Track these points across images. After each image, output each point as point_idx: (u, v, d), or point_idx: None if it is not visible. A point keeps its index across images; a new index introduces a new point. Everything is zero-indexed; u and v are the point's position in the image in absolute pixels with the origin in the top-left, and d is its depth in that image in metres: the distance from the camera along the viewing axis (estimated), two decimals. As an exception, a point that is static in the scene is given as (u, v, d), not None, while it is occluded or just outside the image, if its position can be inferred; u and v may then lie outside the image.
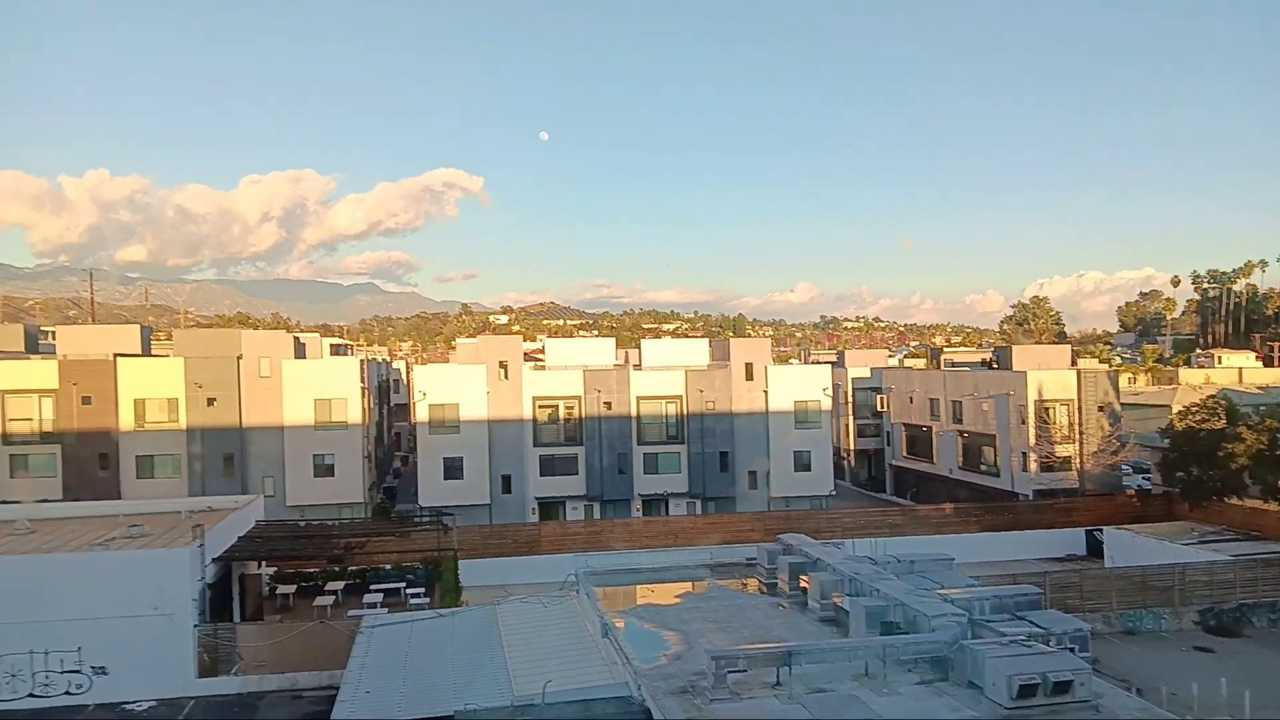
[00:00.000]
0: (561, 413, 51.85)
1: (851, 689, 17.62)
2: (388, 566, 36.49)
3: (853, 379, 70.90)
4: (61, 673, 25.96)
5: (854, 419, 71.14)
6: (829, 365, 61.77)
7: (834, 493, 54.62)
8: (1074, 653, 17.82)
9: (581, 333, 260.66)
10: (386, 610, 29.48)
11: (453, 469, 49.96)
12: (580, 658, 21.72)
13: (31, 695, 25.74)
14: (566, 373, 52.09)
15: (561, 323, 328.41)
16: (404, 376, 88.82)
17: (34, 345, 53.00)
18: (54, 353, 50.70)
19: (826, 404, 54.23)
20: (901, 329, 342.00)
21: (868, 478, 71.12)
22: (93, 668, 26.11)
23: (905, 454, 65.65)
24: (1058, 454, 51.86)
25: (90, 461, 46.32)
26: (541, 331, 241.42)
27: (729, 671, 17.64)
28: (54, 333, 57.03)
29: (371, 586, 34.62)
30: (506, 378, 51.11)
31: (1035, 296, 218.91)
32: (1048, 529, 47.75)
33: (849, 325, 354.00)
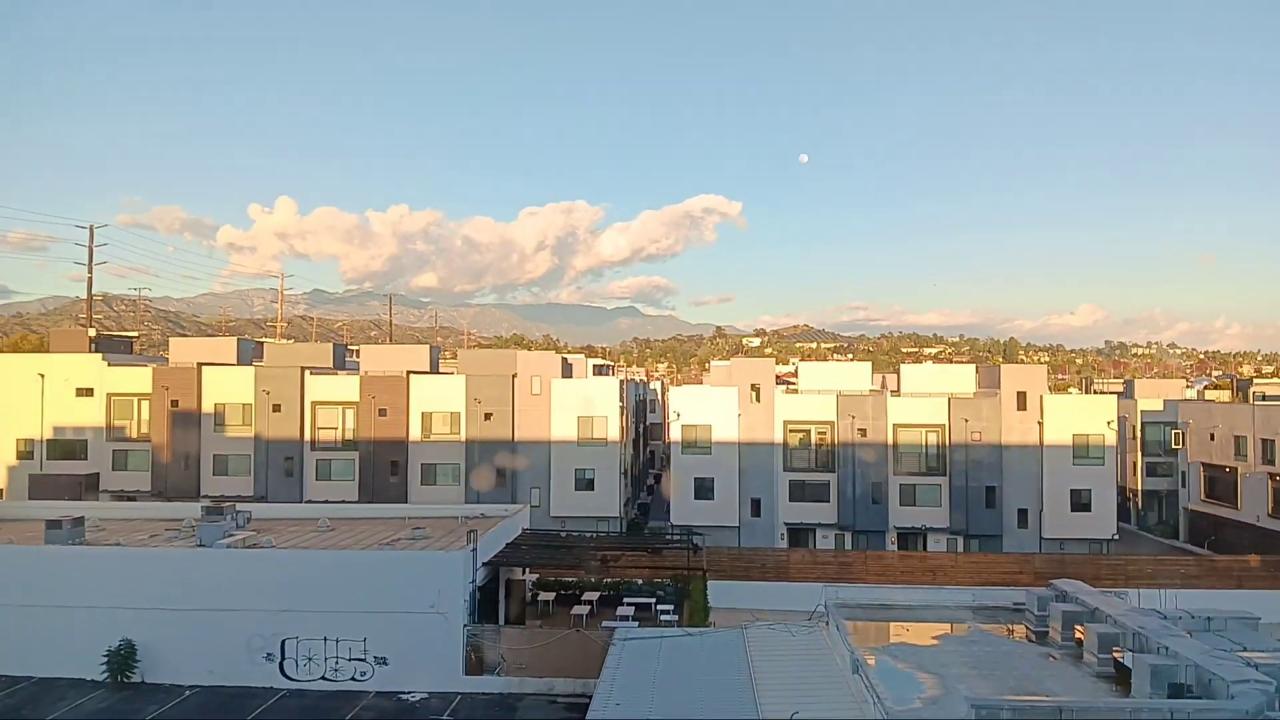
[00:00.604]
0: (813, 438, 51.02)
1: (1133, 757, 15.86)
2: (639, 581, 37.46)
3: (1142, 411, 64.25)
4: (349, 660, 28.69)
5: (1143, 456, 64.38)
6: (1114, 396, 56.35)
7: (1116, 536, 49.67)
8: None
9: (836, 356, 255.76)
10: (638, 624, 30.22)
11: (703, 489, 50.61)
12: (829, 692, 21.13)
13: (324, 678, 28.65)
14: (819, 397, 51.24)
15: (815, 346, 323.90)
16: (659, 397, 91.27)
17: (341, 362, 59.65)
18: (357, 369, 56.84)
19: (1111, 438, 49.53)
20: (1201, 356, 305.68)
21: (1157, 522, 64.00)
22: (375, 658, 28.66)
23: (1203, 497, 58.44)
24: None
25: (383, 468, 51.46)
26: (794, 355, 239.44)
27: (990, 723, 16.46)
28: (358, 351, 63.88)
29: (624, 600, 35.63)
30: (758, 400, 51.11)
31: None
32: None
33: (1138, 352, 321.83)
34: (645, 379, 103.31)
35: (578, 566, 34.99)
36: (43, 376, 53.01)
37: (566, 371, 56.61)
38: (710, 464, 50.81)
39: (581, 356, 74.29)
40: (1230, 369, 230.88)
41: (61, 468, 52.24)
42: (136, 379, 53.02)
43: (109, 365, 53.58)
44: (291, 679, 28.63)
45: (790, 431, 51.13)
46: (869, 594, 28.97)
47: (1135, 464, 64.75)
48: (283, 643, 28.72)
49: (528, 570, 36.88)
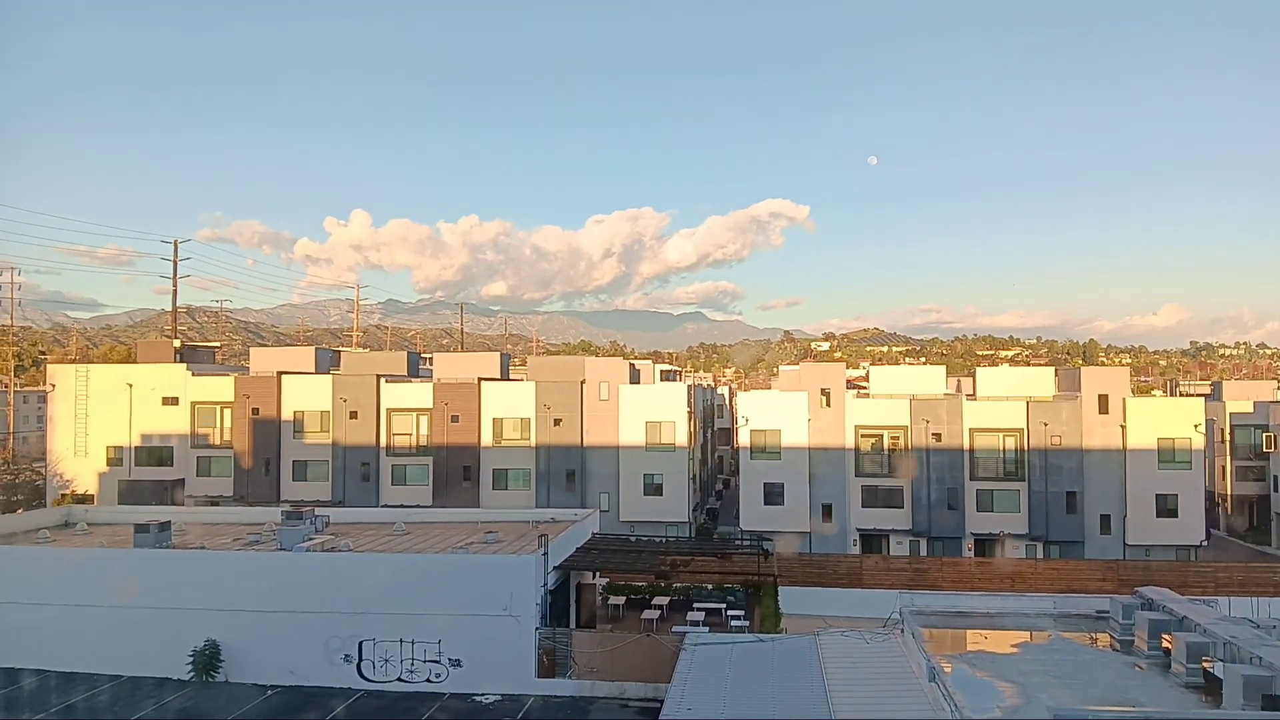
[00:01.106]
0: (886, 443, 50.22)
1: (1228, 772, 15.22)
2: (709, 586, 37.31)
3: (1231, 414, 61.81)
4: (425, 661, 29.15)
5: (1232, 460, 61.92)
6: (1201, 398, 54.31)
7: (1205, 543, 47.77)
8: None
9: (908, 360, 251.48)
10: (708, 629, 30.08)
11: (773, 494, 50.20)
12: (905, 700, 20.74)
13: (399, 679, 29.17)
14: (892, 401, 50.43)
15: (886, 349, 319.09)
16: (727, 402, 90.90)
17: (415, 370, 60.77)
18: (430, 377, 57.86)
19: (1198, 442, 47.68)
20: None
21: (1248, 528, 61.43)
22: (450, 659, 29.07)
23: (1300, 503, 55.91)
24: None
25: (455, 473, 52.25)
26: (865, 358, 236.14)
27: (1073, 733, 15.96)
28: (430, 359, 65.02)
29: (694, 605, 35.52)
30: (829, 405, 50.53)
31: None
32: None
33: (1226, 352, 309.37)
34: (714, 384, 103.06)
35: (647, 571, 35.01)
36: (130, 386, 55.16)
37: (634, 377, 56.78)
38: (780, 469, 50.38)
39: (649, 362, 74.45)
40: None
41: (149, 474, 54.28)
42: (219, 388, 54.83)
43: (193, 375, 55.52)
44: (369, 680, 29.21)
45: (862, 436, 50.41)
46: (945, 601, 28.37)
47: (1224, 468, 62.33)
48: (360, 644, 29.33)
49: (598, 574, 37.04)
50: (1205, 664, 20.39)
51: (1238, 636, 20.06)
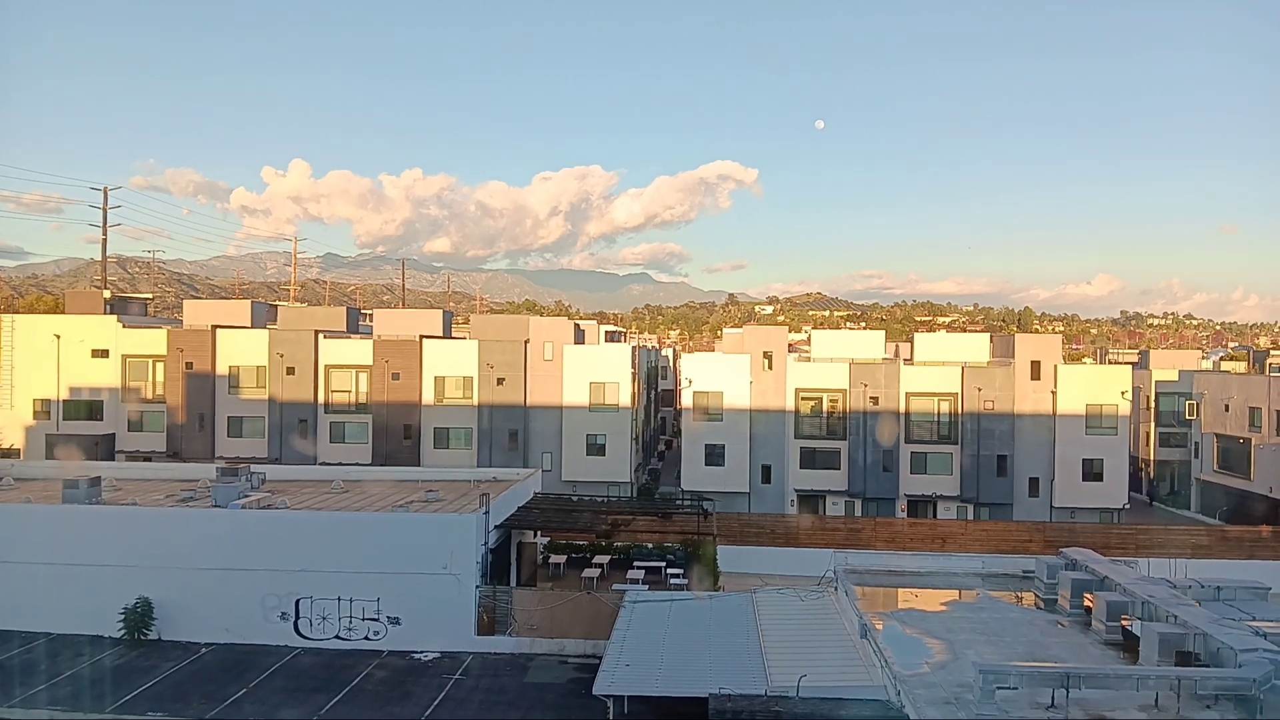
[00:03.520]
0: (825, 406, 50.99)
1: (1139, 722, 15.96)
2: (649, 545, 37.74)
3: (1156, 382, 63.88)
4: (363, 619, 29.05)
5: (1156, 426, 64.14)
6: (1129, 366, 56.04)
7: (1127, 506, 49.61)
8: None
9: (849, 325, 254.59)
10: (648, 587, 30.45)
11: (714, 456, 50.74)
12: (837, 656, 21.30)
13: (337, 637, 29.05)
14: (832, 365, 51.12)
15: (828, 314, 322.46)
16: (671, 363, 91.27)
17: (354, 326, 59.72)
18: (370, 333, 56.99)
19: (1124, 408, 49.31)
20: (1218, 327, 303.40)
21: (1169, 492, 63.89)
22: (388, 618, 29.00)
23: (1216, 468, 58.26)
24: None
25: (396, 431, 51.74)
26: (807, 323, 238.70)
27: (998, 688, 16.57)
28: (371, 315, 63.99)
29: (635, 563, 35.89)
30: (770, 368, 51.05)
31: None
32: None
33: (1154, 322, 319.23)
34: (658, 346, 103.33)
35: (588, 530, 35.24)
36: (58, 337, 53.36)
37: (579, 338, 56.62)
38: (721, 430, 50.88)
39: (594, 323, 74.28)
40: (1248, 340, 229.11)
41: (78, 428, 52.76)
42: (151, 341, 53.34)
43: (124, 327, 53.88)
44: (306, 637, 29.03)
45: (802, 399, 51.09)
46: (878, 560, 29.11)
47: (1149, 434, 64.53)
48: (297, 602, 29.09)
49: (539, 533, 37.18)
50: (1124, 622, 21.25)
51: (1155, 596, 20.92)
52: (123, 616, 28.73)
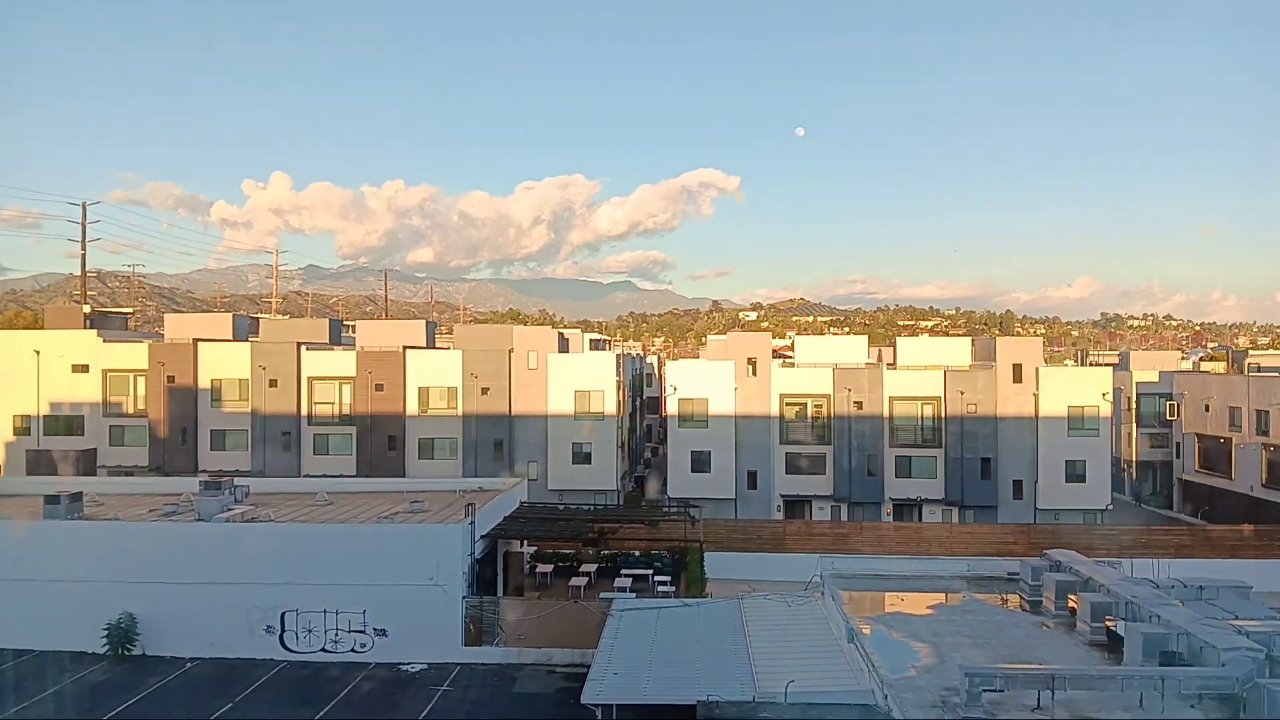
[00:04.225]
0: (810, 411, 51.17)
1: (1123, 721, 16.09)
2: (636, 553, 37.72)
3: (1137, 383, 64.44)
4: (349, 632, 28.97)
5: (1137, 427, 64.67)
6: (1109, 368, 56.57)
7: (1110, 507, 49.97)
8: None
9: (833, 330, 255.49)
10: (635, 595, 30.45)
11: (700, 462, 50.79)
12: (824, 661, 21.36)
13: (324, 650, 28.93)
14: (816, 370, 51.30)
15: (811, 319, 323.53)
16: (656, 371, 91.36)
17: (337, 337, 59.49)
18: (353, 345, 56.78)
19: (1106, 410, 49.71)
20: (1197, 328, 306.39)
21: (1151, 492, 64.40)
22: (375, 629, 28.91)
23: (1197, 468, 58.82)
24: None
25: (380, 442, 51.52)
26: (791, 328, 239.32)
27: (984, 690, 16.67)
28: (354, 326, 63.73)
29: (622, 571, 35.89)
30: (755, 374, 51.18)
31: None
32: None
33: (1134, 324, 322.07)
34: (643, 353, 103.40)
35: (575, 538, 35.20)
36: (38, 353, 52.90)
37: (563, 346, 56.59)
38: (707, 437, 50.93)
39: (578, 331, 74.36)
40: (1226, 341, 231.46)
41: (59, 443, 52.26)
42: (132, 355, 52.94)
43: (104, 341, 53.46)
44: (292, 650, 28.87)
45: (786, 405, 51.24)
46: (864, 564, 29.22)
47: (1130, 435, 65.04)
48: (282, 615, 28.94)
49: (525, 543, 37.10)
50: (1108, 623, 21.41)
51: (1139, 596, 21.10)
52: (106, 632, 28.50)
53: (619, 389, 53.05)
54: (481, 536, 31.35)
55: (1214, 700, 16.54)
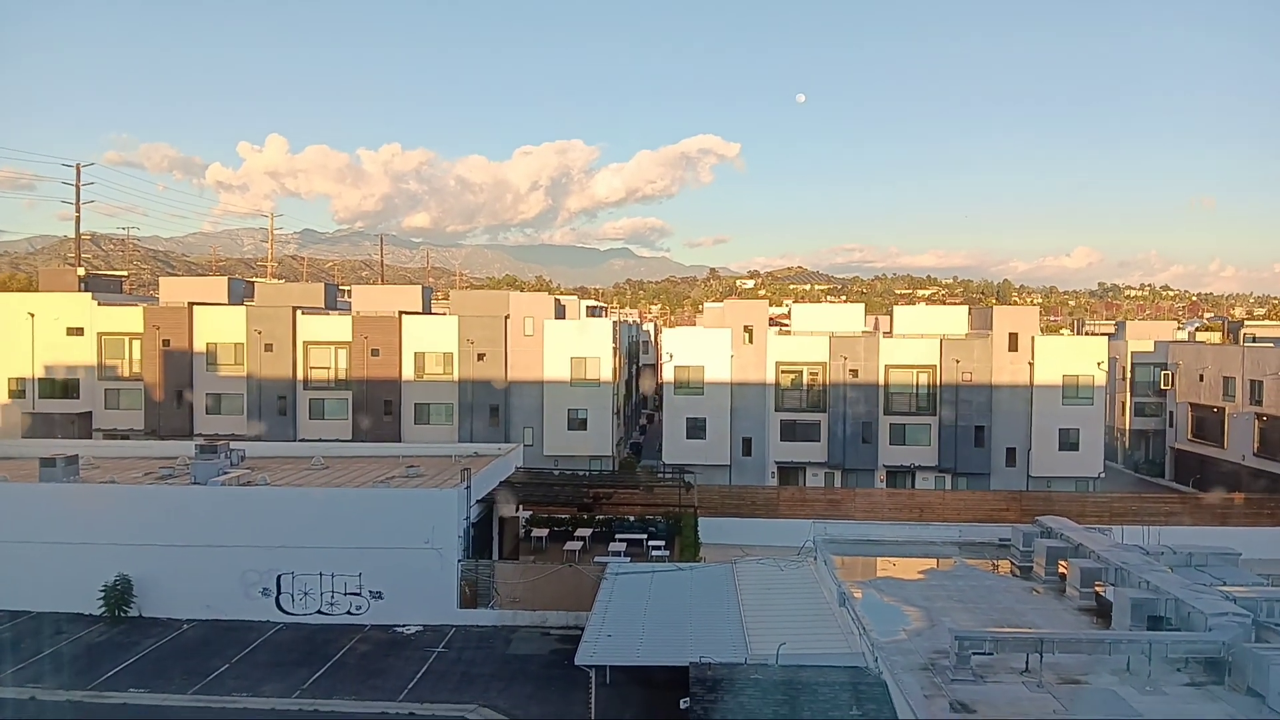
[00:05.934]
0: (805, 379, 51.22)
1: (1109, 684, 16.28)
2: (631, 518, 37.89)
3: (1133, 352, 64.59)
4: (345, 594, 29.15)
5: (1132, 396, 64.91)
6: (1105, 337, 56.62)
7: (1102, 475, 50.28)
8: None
9: (829, 298, 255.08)
10: (629, 559, 30.62)
11: (695, 429, 50.91)
12: (815, 624, 21.55)
13: (319, 612, 29.12)
14: (812, 338, 51.28)
15: (809, 288, 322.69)
16: (652, 338, 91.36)
17: (333, 302, 59.31)
18: (349, 309, 56.61)
19: (1100, 379, 49.81)
20: (1194, 299, 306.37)
21: (1144, 461, 64.82)
22: (371, 592, 29.11)
23: (1190, 437, 59.11)
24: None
25: (376, 407, 51.56)
26: (788, 296, 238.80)
27: (974, 653, 16.86)
28: (349, 291, 63.52)
29: (617, 535, 36.06)
30: (751, 342, 51.16)
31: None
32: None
33: (1131, 294, 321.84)
34: (639, 321, 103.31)
35: (570, 503, 35.35)
36: (33, 316, 52.70)
37: (559, 313, 56.48)
38: (702, 404, 51.00)
39: (575, 298, 74.21)
40: (1223, 311, 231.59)
41: (54, 406, 52.26)
42: (127, 318, 52.77)
43: (99, 305, 53.25)
44: (288, 613, 29.06)
45: (782, 372, 51.27)
46: (857, 530, 29.43)
47: (1124, 404, 65.31)
48: (279, 578, 29.10)
49: (521, 507, 37.27)
50: (1098, 588, 21.60)
51: (1128, 562, 21.28)
52: (103, 594, 28.66)
53: (615, 356, 53.02)
54: (477, 501, 31.47)
55: (1200, 664, 16.73)
